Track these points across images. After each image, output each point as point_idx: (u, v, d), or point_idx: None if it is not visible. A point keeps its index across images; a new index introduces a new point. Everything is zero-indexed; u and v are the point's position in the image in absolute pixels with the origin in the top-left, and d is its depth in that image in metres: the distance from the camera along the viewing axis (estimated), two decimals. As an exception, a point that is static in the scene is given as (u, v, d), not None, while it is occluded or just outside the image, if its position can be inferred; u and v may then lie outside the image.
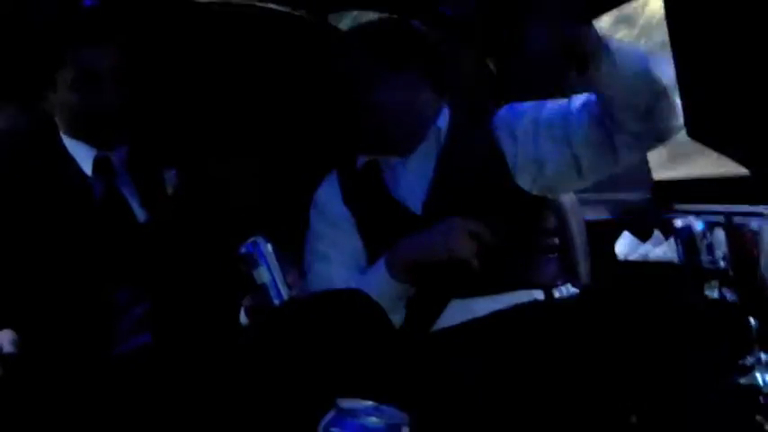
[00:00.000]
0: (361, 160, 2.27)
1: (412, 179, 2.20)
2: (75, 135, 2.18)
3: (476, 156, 2.18)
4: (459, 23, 2.55)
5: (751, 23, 1.89)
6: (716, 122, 2.02)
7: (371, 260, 2.20)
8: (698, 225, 2.27)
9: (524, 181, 2.16)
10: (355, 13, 2.97)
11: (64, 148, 2.19)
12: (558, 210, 2.49)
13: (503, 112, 2.24)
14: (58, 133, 2.21)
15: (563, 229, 2.47)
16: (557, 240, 2.28)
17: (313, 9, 2.80)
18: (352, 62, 2.19)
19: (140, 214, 2.19)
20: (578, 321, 1.88)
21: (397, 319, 2.06)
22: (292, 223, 2.31)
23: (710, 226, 2.28)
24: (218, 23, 2.75)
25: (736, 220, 2.22)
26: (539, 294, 2.12)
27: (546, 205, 2.25)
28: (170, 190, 2.23)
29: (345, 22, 3.00)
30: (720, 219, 2.28)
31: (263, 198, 2.66)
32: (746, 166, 2.20)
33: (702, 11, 1.98)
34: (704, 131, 2.05)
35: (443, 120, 2.24)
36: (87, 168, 2.17)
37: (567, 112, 2.12)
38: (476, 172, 2.16)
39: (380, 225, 2.21)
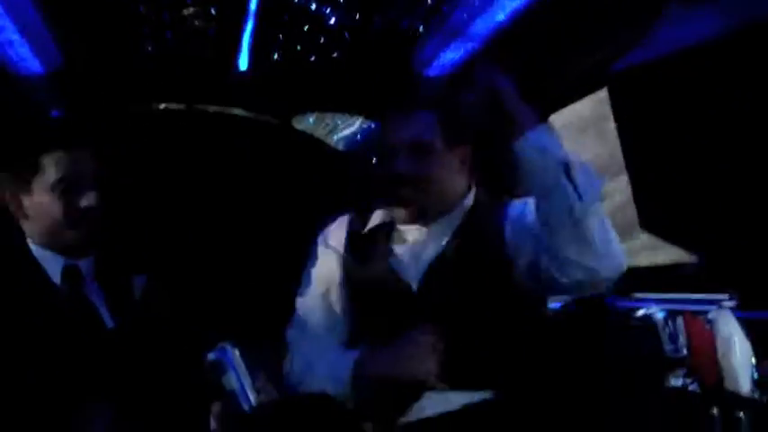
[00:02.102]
0: (377, 218, 2.28)
1: (417, 251, 2.21)
2: (46, 242, 2.17)
3: (484, 242, 2.18)
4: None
5: (695, 128, 1.98)
6: (666, 213, 2.08)
7: (353, 317, 2.23)
8: (659, 314, 2.30)
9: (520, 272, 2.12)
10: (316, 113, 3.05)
11: (32, 256, 2.19)
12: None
13: (517, 206, 2.21)
14: (26, 241, 2.21)
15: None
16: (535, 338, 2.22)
17: (277, 113, 2.87)
18: (412, 132, 2.17)
19: (108, 321, 2.18)
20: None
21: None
22: (260, 327, 2.33)
23: (671, 314, 2.31)
24: (186, 129, 2.81)
25: (694, 308, 2.26)
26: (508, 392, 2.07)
27: (532, 303, 2.21)
28: (137, 296, 2.23)
29: (308, 122, 3.08)
30: (681, 307, 2.32)
31: (231, 302, 2.68)
32: (698, 256, 2.26)
33: (649, 114, 2.06)
34: (655, 222, 2.11)
35: (468, 201, 2.25)
36: (56, 277, 2.17)
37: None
38: (480, 258, 2.16)
39: (374, 291, 2.21)
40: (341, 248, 2.30)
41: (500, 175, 2.25)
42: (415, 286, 2.17)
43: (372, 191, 2.30)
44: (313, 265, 2.33)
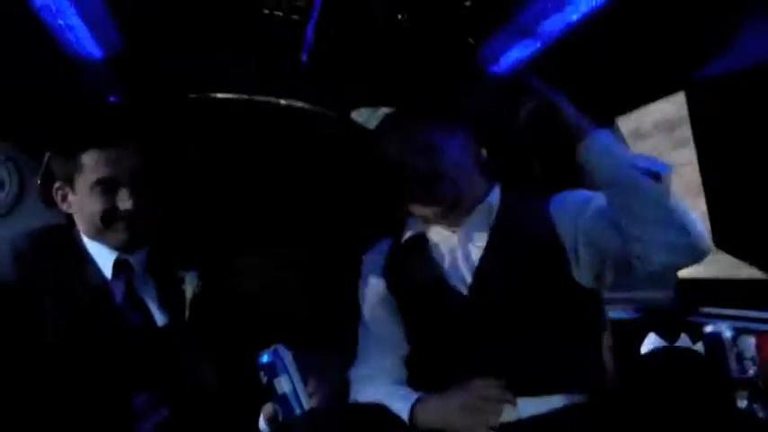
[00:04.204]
0: (409, 233, 2.30)
1: (460, 257, 2.20)
2: (94, 237, 2.16)
3: (529, 238, 2.16)
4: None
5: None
6: (743, 233, 2.00)
7: (407, 336, 2.25)
8: (727, 332, 2.22)
9: (581, 268, 2.12)
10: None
11: (85, 249, 2.16)
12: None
13: (562, 198, 2.22)
14: (79, 234, 2.18)
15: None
16: (596, 341, 2.23)
17: (335, 105, 2.82)
18: (406, 129, 2.22)
19: (159, 318, 2.15)
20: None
21: None
22: (314, 330, 2.29)
23: (739, 332, 2.22)
24: (238, 120, 2.76)
25: (766, 327, 2.16)
26: (578, 398, 2.06)
27: (589, 304, 2.19)
28: (190, 292, 2.20)
29: (365, 116, 3.01)
30: (750, 325, 2.23)
31: (285, 301, 2.64)
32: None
33: (729, 130, 1.97)
34: (731, 242, 2.03)
35: (494, 197, 2.25)
36: (107, 270, 2.15)
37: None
38: (529, 254, 2.14)
39: (424, 304, 2.22)
40: (383, 272, 2.31)
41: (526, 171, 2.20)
42: (465, 291, 2.15)
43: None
44: (364, 293, 2.35)
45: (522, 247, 2.15)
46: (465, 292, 2.15)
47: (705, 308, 2.55)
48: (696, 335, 2.39)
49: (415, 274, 2.24)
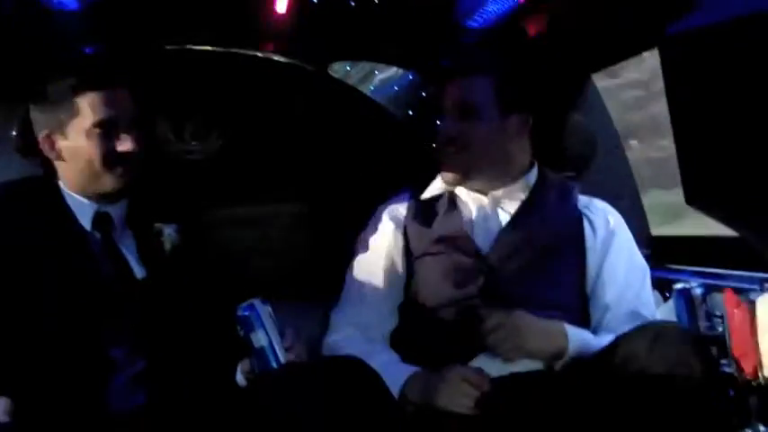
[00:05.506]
0: (438, 188, 2.36)
1: (491, 216, 2.29)
2: (79, 186, 2.13)
3: (555, 225, 2.28)
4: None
5: (747, 101, 1.89)
6: (713, 190, 2.01)
7: (418, 280, 2.30)
8: (697, 290, 2.24)
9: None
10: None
11: (63, 200, 2.16)
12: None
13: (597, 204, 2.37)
14: (58, 185, 2.17)
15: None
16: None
17: (313, 59, 2.81)
18: (462, 95, 2.26)
19: (138, 270, 2.16)
20: (576, 395, 1.95)
21: None
22: (291, 282, 2.31)
23: (710, 289, 2.25)
24: (218, 72, 2.75)
25: (736, 285, 2.19)
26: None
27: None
28: (168, 246, 2.20)
29: (344, 69, 3.00)
30: (720, 282, 2.26)
31: (266, 255, 2.65)
32: (745, 235, 2.18)
33: (701, 86, 1.98)
34: (702, 198, 2.05)
35: (532, 176, 2.33)
36: (86, 223, 2.14)
37: None
38: (551, 237, 2.25)
39: (442, 251, 2.27)
40: (402, 218, 2.35)
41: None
42: (486, 249, 2.23)
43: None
44: (373, 237, 2.38)
45: (548, 229, 2.26)
46: (486, 250, 2.23)
47: (676, 264, 2.60)
48: (667, 291, 2.43)
49: (441, 220, 2.31)
